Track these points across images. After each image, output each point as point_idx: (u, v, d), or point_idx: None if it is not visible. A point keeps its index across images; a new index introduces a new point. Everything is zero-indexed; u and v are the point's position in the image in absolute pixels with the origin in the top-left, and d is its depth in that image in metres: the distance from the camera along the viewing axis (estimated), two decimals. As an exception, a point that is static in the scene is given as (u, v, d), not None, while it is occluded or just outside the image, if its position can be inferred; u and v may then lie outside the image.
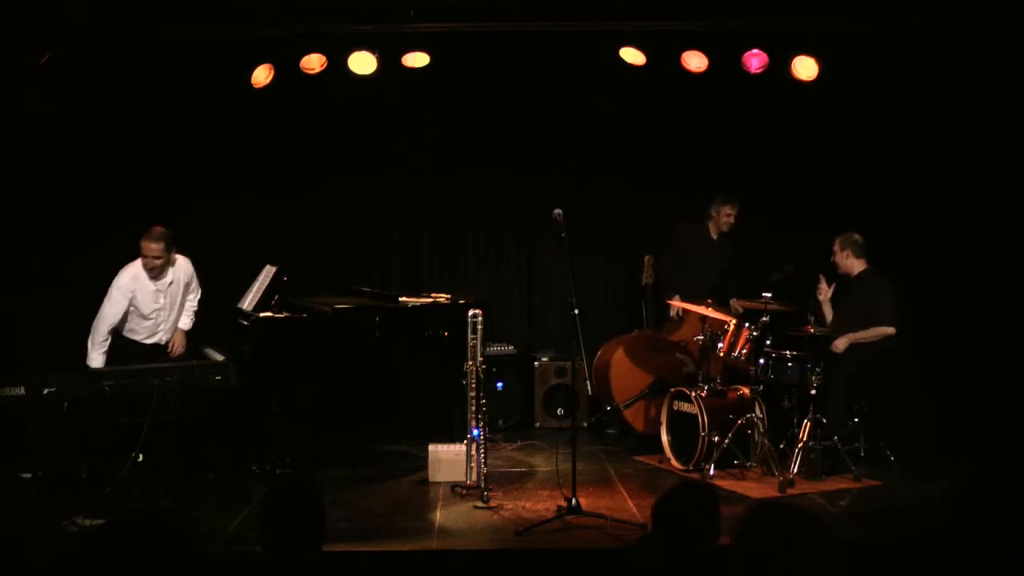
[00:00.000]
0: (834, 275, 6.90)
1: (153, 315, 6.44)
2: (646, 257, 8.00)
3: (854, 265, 6.76)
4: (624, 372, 7.31)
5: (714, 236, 7.67)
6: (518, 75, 7.81)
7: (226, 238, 7.98)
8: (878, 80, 7.30)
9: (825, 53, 7.09)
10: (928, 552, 2.55)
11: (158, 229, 6.30)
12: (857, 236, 6.77)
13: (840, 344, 6.50)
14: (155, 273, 6.35)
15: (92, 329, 6.26)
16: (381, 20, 6.95)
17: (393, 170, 8.21)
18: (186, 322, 6.69)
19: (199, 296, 6.77)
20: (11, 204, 7.25)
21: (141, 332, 6.46)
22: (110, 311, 6.27)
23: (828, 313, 6.84)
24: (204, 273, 7.80)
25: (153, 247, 6.26)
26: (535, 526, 5.27)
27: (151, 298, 6.40)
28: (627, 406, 7.25)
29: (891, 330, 6.51)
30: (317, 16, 6.86)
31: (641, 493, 6.02)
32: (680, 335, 7.46)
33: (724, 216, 7.56)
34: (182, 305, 6.64)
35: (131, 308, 6.34)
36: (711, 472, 6.27)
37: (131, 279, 6.33)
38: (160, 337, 6.55)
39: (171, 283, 6.47)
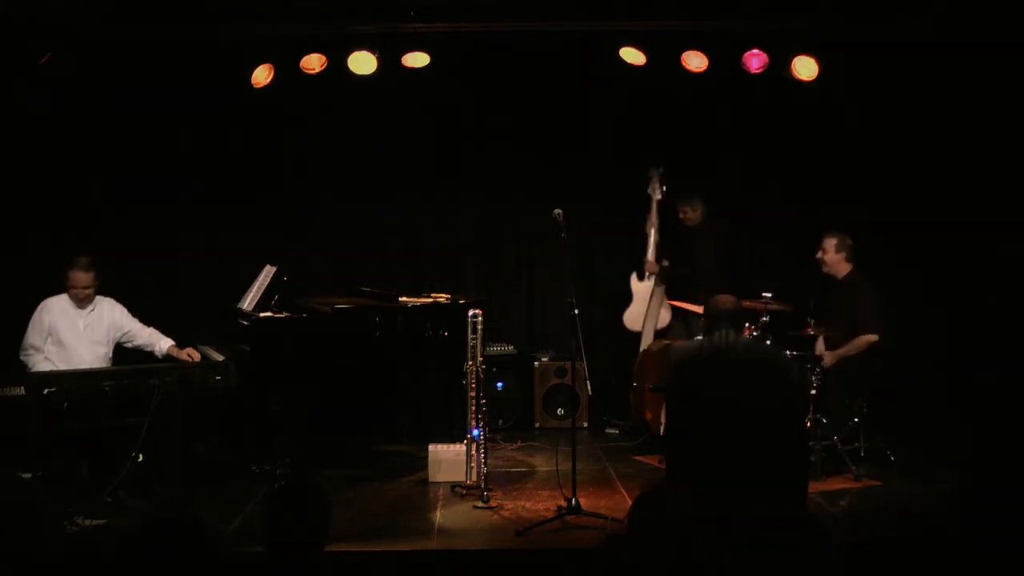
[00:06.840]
0: (817, 273, 6.87)
1: (71, 344, 6.05)
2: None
3: (843, 268, 6.74)
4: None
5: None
6: (518, 75, 7.81)
7: (226, 238, 7.99)
8: (878, 80, 7.30)
9: (825, 53, 7.09)
10: (928, 552, 2.55)
11: (84, 259, 6.04)
12: (849, 239, 6.74)
13: (827, 361, 6.45)
14: (82, 301, 6.06)
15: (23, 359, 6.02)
16: (381, 20, 6.96)
17: (393, 170, 8.20)
18: (163, 343, 6.28)
19: (153, 329, 6.34)
20: (11, 204, 7.25)
21: (59, 364, 5.95)
22: (31, 333, 6.02)
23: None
24: (204, 273, 7.86)
25: (83, 277, 6.00)
26: (535, 526, 5.28)
27: (69, 323, 6.07)
28: (655, 390, 7.25)
29: (874, 338, 6.46)
30: (317, 16, 6.86)
31: (641, 493, 6.01)
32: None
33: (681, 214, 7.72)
34: (111, 343, 6.22)
35: (48, 336, 6.04)
36: (711, 472, 6.26)
37: (52, 301, 6.07)
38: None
39: (92, 310, 6.14)
